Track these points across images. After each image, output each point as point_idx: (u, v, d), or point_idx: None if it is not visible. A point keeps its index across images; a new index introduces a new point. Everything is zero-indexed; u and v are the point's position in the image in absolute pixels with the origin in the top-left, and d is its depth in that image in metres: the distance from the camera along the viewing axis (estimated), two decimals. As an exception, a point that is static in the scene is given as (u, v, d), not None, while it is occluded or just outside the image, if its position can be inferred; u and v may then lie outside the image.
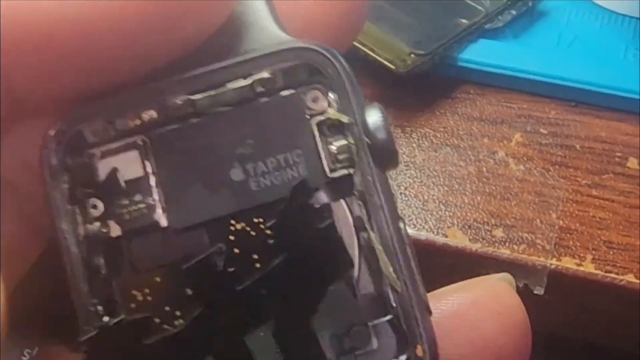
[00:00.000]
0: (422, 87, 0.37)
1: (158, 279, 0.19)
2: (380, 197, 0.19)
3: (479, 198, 0.34)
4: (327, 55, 0.19)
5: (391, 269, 0.19)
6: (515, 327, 0.22)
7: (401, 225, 0.19)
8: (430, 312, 0.19)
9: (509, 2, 0.39)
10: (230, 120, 0.19)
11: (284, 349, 0.19)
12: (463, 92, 0.38)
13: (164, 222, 0.19)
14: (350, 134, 0.19)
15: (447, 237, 0.33)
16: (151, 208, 0.19)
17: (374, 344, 0.19)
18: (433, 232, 0.34)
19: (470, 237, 0.33)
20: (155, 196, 0.19)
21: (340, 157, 0.19)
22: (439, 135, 0.36)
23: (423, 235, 0.34)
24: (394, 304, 0.19)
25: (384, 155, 0.19)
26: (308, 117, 0.19)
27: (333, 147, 0.19)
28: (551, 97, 0.37)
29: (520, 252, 0.33)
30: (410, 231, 0.33)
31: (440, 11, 0.38)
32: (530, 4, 0.39)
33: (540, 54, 0.38)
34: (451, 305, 0.21)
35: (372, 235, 0.19)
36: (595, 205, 0.34)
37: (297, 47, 0.19)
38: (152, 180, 0.19)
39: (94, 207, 0.19)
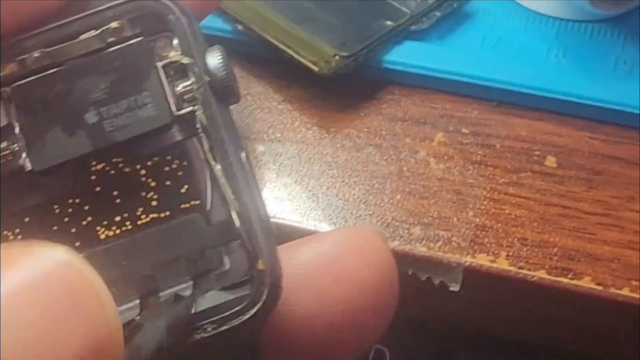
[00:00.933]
0: (347, 89, 0.38)
1: (27, 220, 0.21)
2: (221, 130, 0.21)
3: (398, 197, 0.35)
4: (168, 4, 0.21)
5: (231, 193, 0.21)
6: (380, 264, 0.23)
7: (242, 154, 0.21)
8: (272, 232, 0.21)
9: (434, 4, 0.39)
10: (83, 68, 0.21)
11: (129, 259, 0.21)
12: (388, 93, 0.38)
13: (28, 166, 0.21)
14: (192, 74, 0.21)
15: (365, 235, 0.34)
16: (16, 154, 0.21)
17: (227, 264, 0.21)
18: (352, 231, 0.34)
19: (388, 235, 0.34)
20: (20, 142, 0.21)
21: (185, 96, 0.21)
22: (362, 136, 0.37)
23: (342, 233, 0.34)
24: (238, 226, 0.21)
25: (225, 92, 0.21)
26: (155, 61, 0.21)
27: (178, 88, 0.21)
28: (474, 97, 0.38)
29: (437, 249, 0.34)
30: (329, 229, 0.34)
31: (365, 13, 0.39)
32: (455, 5, 0.40)
33: (464, 55, 0.38)
34: (316, 246, 0.23)
35: (214, 164, 0.21)
36: (512, 203, 0.35)
37: None
38: (16, 129, 0.21)
39: None
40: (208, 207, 0.22)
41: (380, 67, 0.38)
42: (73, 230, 0.21)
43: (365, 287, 0.22)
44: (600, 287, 0.32)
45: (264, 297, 0.20)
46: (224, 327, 0.20)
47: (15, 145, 0.21)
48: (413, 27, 0.39)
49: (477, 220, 0.34)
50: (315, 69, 0.37)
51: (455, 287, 0.33)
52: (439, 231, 0.34)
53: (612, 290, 0.32)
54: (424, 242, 0.34)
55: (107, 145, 0.21)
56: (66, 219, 0.21)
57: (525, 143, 0.37)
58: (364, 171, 0.36)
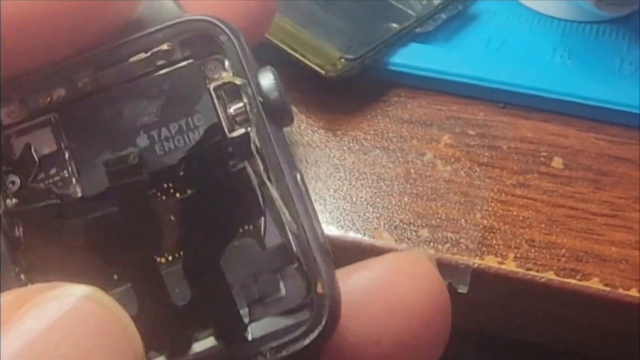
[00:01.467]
0: (354, 91, 0.38)
1: (81, 245, 0.20)
2: (276, 152, 0.20)
3: (406, 199, 0.35)
4: (219, 24, 0.21)
5: (288, 215, 0.20)
6: (432, 291, 0.22)
7: (297, 175, 0.21)
8: (330, 254, 0.20)
9: (440, 6, 0.39)
10: (133, 92, 0.21)
11: (193, 285, 0.21)
12: (394, 95, 0.38)
13: (78, 192, 0.20)
14: (245, 95, 0.21)
15: (374, 237, 0.34)
16: (66, 180, 0.20)
17: (282, 290, 0.21)
18: (360, 233, 0.34)
19: (396, 238, 0.34)
20: (69, 168, 0.20)
21: (238, 118, 0.21)
22: (369, 138, 0.37)
23: (350, 236, 0.34)
24: (295, 249, 0.20)
25: (278, 113, 0.21)
26: (206, 83, 0.21)
27: (231, 109, 0.21)
28: (480, 99, 0.38)
29: (445, 251, 0.34)
30: (337, 232, 0.34)
31: (371, 16, 0.39)
32: (460, 7, 0.40)
33: (469, 57, 0.38)
34: (368, 273, 0.22)
35: (270, 186, 0.20)
36: (519, 204, 0.35)
37: (191, 20, 0.21)
38: (66, 154, 0.20)
39: (12, 183, 0.20)
40: (262, 232, 0.21)
41: (386, 69, 0.38)
42: (125, 257, 0.21)
43: (419, 316, 0.22)
44: (608, 288, 0.33)
45: (323, 322, 0.20)
46: (283, 353, 0.20)
47: (65, 171, 0.20)
48: (418, 30, 0.39)
49: (485, 222, 0.34)
50: (322, 72, 0.37)
51: (463, 289, 0.34)
52: (447, 233, 0.34)
53: (620, 291, 0.33)
54: (431, 244, 0.34)
55: (158, 169, 0.21)
56: (119, 246, 0.21)
57: (532, 144, 0.37)
58: (371, 174, 0.36)
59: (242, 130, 0.21)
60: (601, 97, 0.37)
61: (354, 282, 0.22)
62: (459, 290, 0.34)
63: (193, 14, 0.21)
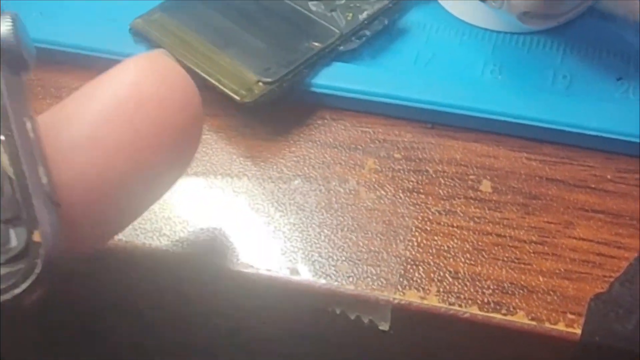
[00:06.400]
0: (275, 115, 0.36)
1: None
2: (5, 97, 0.21)
3: (325, 231, 0.34)
4: None
5: (8, 159, 0.21)
6: (180, 83, 0.26)
7: (27, 122, 0.21)
8: (57, 203, 0.21)
9: (365, 22, 0.37)
10: None
11: None
12: (318, 118, 0.37)
13: None
14: None
15: (290, 274, 0.33)
16: None
17: (12, 239, 0.21)
18: (277, 269, 0.33)
19: (314, 273, 0.32)
20: None
21: None
22: (290, 165, 0.35)
23: (264, 272, 0.33)
24: (18, 197, 0.21)
25: (13, 59, 0.21)
26: None
27: None
28: (407, 119, 0.36)
29: (365, 286, 0.32)
30: (251, 270, 0.32)
31: (292, 34, 0.37)
32: (386, 22, 0.38)
33: (396, 75, 0.36)
34: (120, 76, 0.25)
35: None
36: (444, 233, 0.33)
37: None
38: None
39: None
40: None
41: (309, 91, 0.36)
42: None
43: (171, 107, 0.25)
44: (534, 322, 0.31)
45: (36, 271, 0.20)
46: None
47: None
48: (342, 48, 0.37)
49: (408, 253, 0.33)
50: (237, 97, 0.35)
51: (384, 326, 0.32)
52: (368, 267, 0.33)
53: (547, 325, 0.31)
54: (351, 278, 0.32)
55: None
56: None
57: (460, 167, 0.35)
58: (291, 204, 0.34)
59: None
60: (533, 114, 0.35)
61: (107, 88, 0.25)
62: (380, 328, 0.32)
63: None
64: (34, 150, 0.21)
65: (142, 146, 0.25)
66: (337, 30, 0.37)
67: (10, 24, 0.21)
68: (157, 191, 0.28)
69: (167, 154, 0.26)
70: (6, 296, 0.20)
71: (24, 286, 0.20)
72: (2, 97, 0.21)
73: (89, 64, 0.36)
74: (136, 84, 0.25)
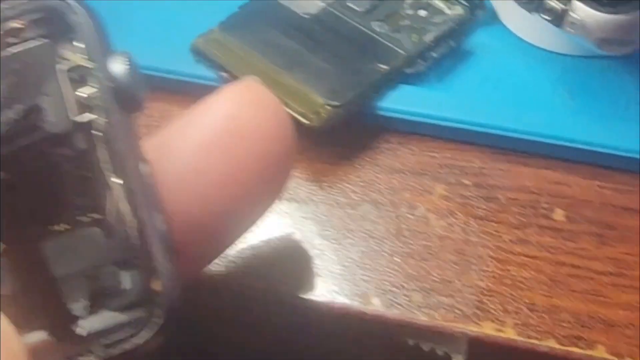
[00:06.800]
0: (340, 139, 0.36)
1: None
2: (121, 140, 0.20)
3: (397, 259, 0.33)
4: (73, 4, 0.20)
5: (128, 207, 0.20)
6: (274, 113, 0.26)
7: (142, 167, 0.21)
8: (172, 249, 0.20)
9: (431, 44, 0.37)
10: None
11: (17, 278, 0.20)
12: (384, 141, 0.36)
13: None
14: (95, 79, 0.20)
15: (363, 304, 0.32)
16: None
17: (123, 284, 0.20)
18: (349, 299, 0.32)
19: (387, 304, 0.32)
20: None
21: (86, 102, 0.20)
22: (357, 191, 0.35)
23: (339, 301, 0.32)
24: (134, 243, 0.20)
25: (128, 100, 0.21)
26: (56, 65, 0.20)
27: (80, 93, 0.20)
28: (476, 144, 0.36)
29: (439, 318, 0.31)
30: (324, 298, 0.32)
31: (357, 56, 0.37)
32: (453, 44, 0.37)
33: (463, 99, 0.36)
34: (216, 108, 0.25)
35: (113, 175, 0.20)
36: (518, 263, 0.33)
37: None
38: None
39: None
40: (106, 222, 0.21)
41: (375, 114, 0.36)
42: None
43: (269, 137, 0.25)
44: (615, 358, 0.30)
45: (157, 321, 0.20)
46: (115, 351, 0.19)
47: None
48: (408, 70, 0.36)
49: (482, 283, 0.32)
50: (305, 121, 0.34)
51: (459, 359, 0.31)
52: (441, 297, 0.32)
53: (628, 360, 0.30)
54: (425, 309, 0.32)
55: (1, 152, 0.20)
56: None
57: (532, 194, 0.34)
58: (360, 231, 0.34)
59: (89, 116, 0.20)
60: (606, 142, 0.34)
61: (207, 119, 0.24)
62: (455, 360, 0.31)
63: None
64: (151, 195, 0.21)
65: (244, 178, 0.24)
66: (402, 52, 0.37)
67: (128, 64, 0.20)
68: (253, 220, 0.27)
69: (266, 184, 0.26)
70: (126, 345, 0.20)
71: (146, 336, 0.20)
72: (117, 141, 0.20)
73: (149, 84, 0.36)
74: (235, 115, 0.25)
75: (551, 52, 0.37)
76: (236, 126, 0.24)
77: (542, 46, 0.37)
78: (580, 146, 0.34)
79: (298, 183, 0.35)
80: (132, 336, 0.20)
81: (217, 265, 0.32)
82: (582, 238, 0.33)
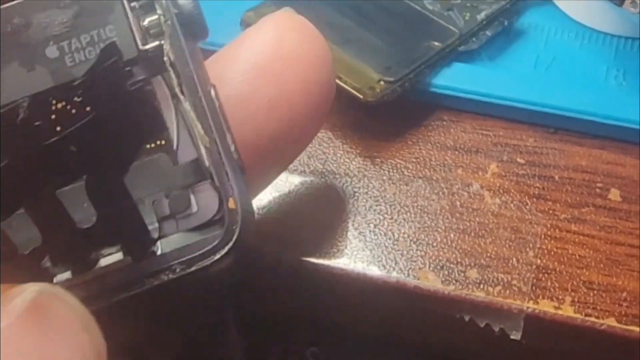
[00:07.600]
0: (393, 115, 0.35)
1: None
2: (189, 65, 0.20)
3: (452, 235, 0.33)
4: None
5: (201, 129, 0.20)
6: (314, 38, 0.26)
7: (211, 90, 0.21)
8: (242, 170, 0.21)
9: (484, 22, 0.37)
10: (44, 1, 0.20)
11: (97, 204, 0.20)
12: (436, 119, 0.36)
13: None
14: (159, 7, 0.21)
15: (418, 279, 0.32)
16: None
17: (194, 206, 0.21)
18: (404, 274, 0.32)
19: (443, 279, 0.32)
20: None
21: (152, 30, 0.21)
22: (410, 167, 0.35)
23: (393, 277, 0.32)
24: (207, 164, 0.20)
25: (192, 26, 0.21)
26: None
27: (145, 22, 0.21)
28: (529, 123, 0.35)
29: (496, 294, 0.31)
30: (379, 272, 0.32)
31: (410, 33, 0.36)
32: (506, 23, 0.37)
33: (516, 78, 0.35)
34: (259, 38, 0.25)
35: (183, 99, 0.20)
36: (575, 241, 0.32)
37: None
38: None
39: None
40: (175, 147, 0.21)
41: (428, 91, 0.36)
42: (24, 186, 0.20)
43: (311, 63, 0.25)
44: (675, 337, 0.30)
45: (234, 238, 0.20)
46: (193, 268, 0.20)
47: None
48: (462, 48, 0.36)
49: (539, 261, 0.32)
50: (360, 96, 0.34)
51: (516, 336, 0.31)
52: (498, 274, 0.32)
53: (688, 339, 0.30)
54: (481, 285, 0.31)
55: (68, 80, 0.20)
56: (33, 162, 0.20)
57: (587, 174, 0.34)
58: (414, 206, 0.33)
59: (155, 43, 0.21)
60: (660, 122, 0.34)
61: (255, 47, 0.24)
62: (512, 337, 0.31)
63: None
64: (221, 117, 0.21)
65: (291, 103, 0.25)
66: (456, 30, 0.36)
67: None
68: (299, 148, 0.28)
69: (310, 109, 0.26)
70: (204, 262, 0.20)
71: (223, 252, 0.20)
72: (186, 66, 0.20)
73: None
74: (279, 42, 0.25)
75: (602, 32, 0.37)
76: (281, 52, 0.25)
77: (594, 27, 0.37)
78: (634, 126, 0.34)
79: (350, 158, 0.35)
80: (208, 253, 0.20)
81: (275, 243, 0.32)
82: (638, 218, 0.33)
